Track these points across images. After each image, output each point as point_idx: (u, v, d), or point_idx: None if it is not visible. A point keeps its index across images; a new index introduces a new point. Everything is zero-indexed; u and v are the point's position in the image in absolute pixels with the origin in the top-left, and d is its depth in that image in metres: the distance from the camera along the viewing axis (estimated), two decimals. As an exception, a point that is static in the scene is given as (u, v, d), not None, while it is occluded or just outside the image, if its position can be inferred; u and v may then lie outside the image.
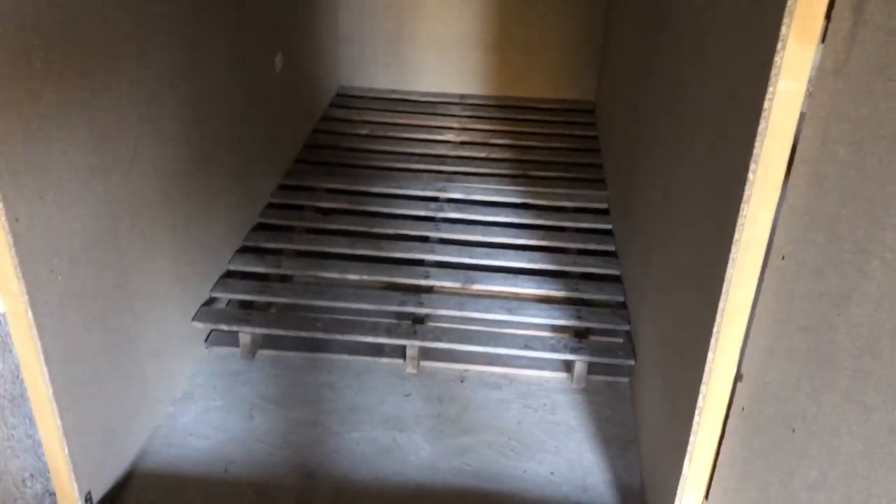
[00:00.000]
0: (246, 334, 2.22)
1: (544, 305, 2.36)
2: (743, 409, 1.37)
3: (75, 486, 1.67)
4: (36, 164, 1.41)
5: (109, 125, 1.66)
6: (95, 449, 1.73)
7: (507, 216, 2.85)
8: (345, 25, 3.89)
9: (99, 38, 1.60)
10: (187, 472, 1.89)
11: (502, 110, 3.82)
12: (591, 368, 2.21)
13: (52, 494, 1.70)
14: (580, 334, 2.27)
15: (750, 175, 1.19)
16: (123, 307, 1.80)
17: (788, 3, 1.07)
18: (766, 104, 1.14)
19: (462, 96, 3.96)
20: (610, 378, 2.22)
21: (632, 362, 2.14)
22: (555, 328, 2.32)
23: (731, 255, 1.26)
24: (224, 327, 2.23)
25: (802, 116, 1.16)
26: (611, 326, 2.28)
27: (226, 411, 2.08)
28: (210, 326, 2.25)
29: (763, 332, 1.30)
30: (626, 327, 2.26)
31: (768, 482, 1.30)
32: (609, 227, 2.79)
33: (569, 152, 3.40)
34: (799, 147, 1.17)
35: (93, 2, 1.56)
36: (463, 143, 3.46)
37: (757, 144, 1.17)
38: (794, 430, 1.23)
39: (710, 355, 1.35)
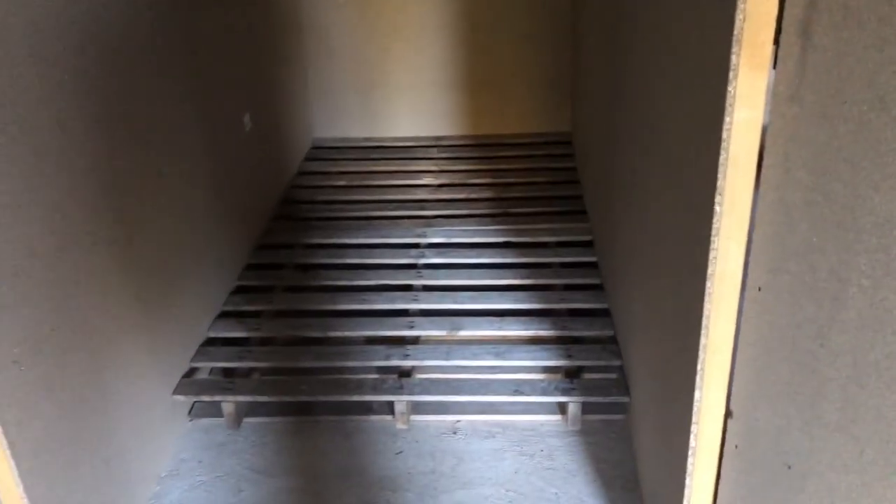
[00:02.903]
0: (229, 404, 2.17)
1: (533, 347, 2.31)
2: (736, 446, 1.32)
3: (57, 582, 1.60)
4: (-12, 255, 1.38)
5: (66, 203, 1.63)
6: (76, 541, 1.66)
7: (490, 257, 2.81)
8: (315, 78, 3.90)
9: (54, 125, 1.57)
10: (175, 555, 1.83)
11: (479, 149, 3.81)
12: (586, 408, 2.15)
13: None
14: (571, 374, 2.22)
15: (716, 207, 1.15)
16: (97, 389, 1.74)
17: (735, 32, 1.05)
18: (724, 134, 1.11)
19: (438, 139, 3.95)
20: (606, 417, 2.17)
21: (626, 399, 2.08)
22: (546, 369, 2.27)
23: (707, 290, 1.22)
24: (206, 398, 2.18)
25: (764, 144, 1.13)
26: (602, 363, 2.23)
27: (213, 486, 2.02)
28: (192, 398, 2.19)
29: (748, 366, 1.25)
30: (618, 363, 2.21)
31: (770, 523, 1.25)
32: (594, 259, 2.76)
33: (548, 186, 3.37)
34: (763, 175, 1.13)
35: (43, 79, 1.54)
36: (441, 185, 3.44)
37: (720, 176, 1.14)
38: (789, 467, 1.18)
39: (696, 394, 1.30)
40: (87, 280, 1.71)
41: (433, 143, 3.92)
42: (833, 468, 1.08)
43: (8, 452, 1.43)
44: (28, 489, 1.49)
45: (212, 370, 2.33)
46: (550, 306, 2.50)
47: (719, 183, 1.14)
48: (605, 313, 2.46)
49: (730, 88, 1.08)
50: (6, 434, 1.42)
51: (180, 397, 2.15)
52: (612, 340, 2.32)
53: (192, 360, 2.28)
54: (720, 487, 1.38)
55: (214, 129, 2.54)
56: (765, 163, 1.12)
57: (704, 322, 1.24)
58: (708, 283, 1.22)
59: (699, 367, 1.28)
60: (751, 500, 1.30)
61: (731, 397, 1.31)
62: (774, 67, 1.07)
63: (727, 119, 1.10)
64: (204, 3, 2.47)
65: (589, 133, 3.10)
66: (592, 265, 2.73)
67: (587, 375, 2.24)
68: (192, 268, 2.31)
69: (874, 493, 1.01)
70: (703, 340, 1.26)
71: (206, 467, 2.08)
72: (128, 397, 1.89)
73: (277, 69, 3.35)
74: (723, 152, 1.12)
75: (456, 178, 3.50)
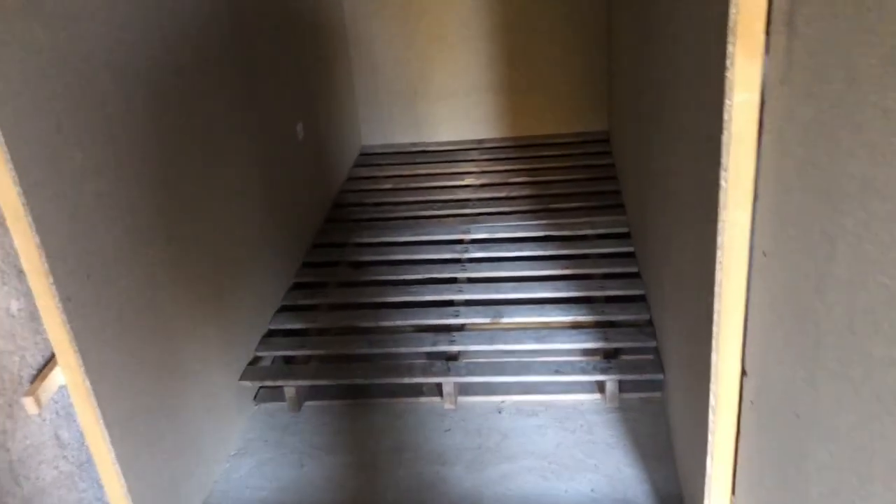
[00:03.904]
0: (291, 388, 2.35)
1: (573, 331, 2.44)
2: (752, 402, 1.44)
3: (144, 543, 1.79)
4: (82, 247, 1.57)
5: (144, 208, 1.83)
6: (159, 506, 1.86)
7: (531, 250, 2.95)
8: (361, 87, 4.10)
9: (133, 135, 1.77)
10: (246, 521, 2.01)
11: (520, 150, 3.96)
12: (624, 387, 2.28)
13: (124, 552, 1.82)
14: (609, 355, 2.35)
15: (722, 182, 1.28)
16: (173, 372, 1.94)
17: (730, 24, 1.18)
18: (726, 115, 1.24)
19: (479, 141, 4.11)
20: (643, 394, 2.28)
21: (661, 376, 2.20)
22: (585, 352, 2.40)
23: (717, 258, 1.34)
24: (270, 383, 2.36)
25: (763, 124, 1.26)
26: (638, 345, 2.35)
27: (278, 462, 2.20)
28: (257, 384, 2.39)
29: (759, 327, 1.37)
30: (654, 344, 2.33)
31: (784, 470, 1.36)
32: (631, 249, 2.87)
33: (587, 182, 3.50)
34: (762, 151, 1.26)
35: (122, 94, 1.74)
36: (483, 185, 3.60)
37: (724, 153, 1.27)
38: (798, 416, 1.30)
39: (713, 355, 1.43)
40: (161, 274, 1.91)
41: (475, 145, 4.08)
42: (834, 412, 1.19)
43: (101, 421, 1.63)
44: (119, 457, 1.68)
45: (274, 359, 2.52)
46: (589, 293, 2.62)
47: (723, 160, 1.27)
48: (641, 299, 2.58)
49: (728, 75, 1.21)
50: (99, 405, 1.61)
51: (246, 383, 2.34)
52: (648, 324, 2.44)
53: (256, 349, 2.47)
54: (740, 442, 1.50)
55: (270, 138, 2.74)
56: (763, 139, 1.24)
57: (717, 288, 1.37)
58: (718, 252, 1.34)
59: (714, 329, 1.40)
60: (767, 452, 1.42)
61: (746, 357, 1.43)
62: (767, 54, 1.20)
63: (727, 102, 1.23)
64: (259, 24, 2.67)
65: (624, 130, 3.23)
66: (630, 255, 2.85)
67: (624, 357, 2.36)
68: (253, 266, 2.50)
69: (871, 430, 1.12)
70: (716, 305, 1.38)
71: (272, 446, 2.26)
72: (200, 382, 2.08)
73: (326, 82, 3.56)
74: (725, 132, 1.25)
75: (497, 178, 3.65)
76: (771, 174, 1.25)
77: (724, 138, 1.26)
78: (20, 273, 1.54)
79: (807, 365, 1.24)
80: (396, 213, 3.39)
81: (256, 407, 2.42)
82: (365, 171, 3.90)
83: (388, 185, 3.71)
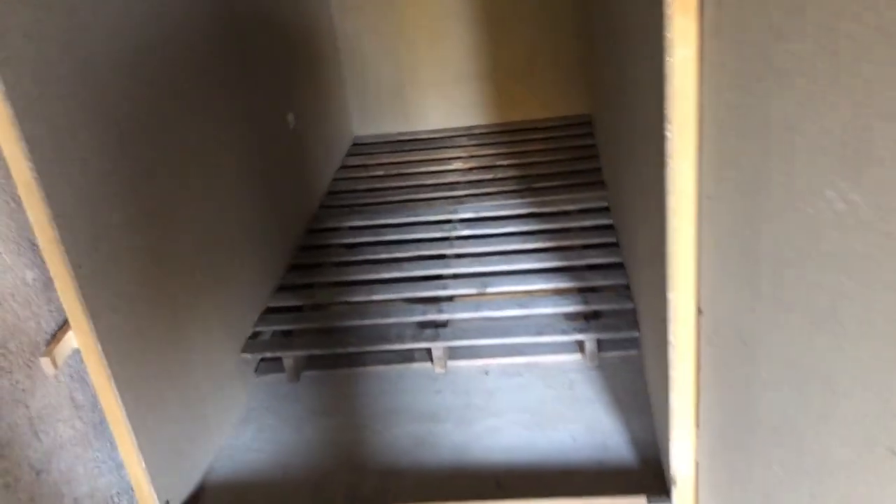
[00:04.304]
0: (289, 359, 2.48)
1: (555, 297, 2.57)
2: (707, 339, 1.57)
3: (156, 499, 1.92)
4: (90, 221, 1.71)
5: (145, 188, 1.96)
6: (169, 466, 1.98)
7: (515, 226, 3.08)
8: (351, 80, 4.23)
9: (132, 119, 1.91)
10: (251, 479, 2.14)
11: (506, 135, 4.09)
12: (603, 346, 2.41)
13: (137, 508, 1.95)
14: (588, 317, 2.48)
15: (667, 133, 1.41)
16: (177, 345, 2.07)
17: (667, -14, 1.31)
18: (667, 71, 1.37)
19: (467, 128, 4.24)
20: (622, 353, 2.41)
21: (636, 333, 2.33)
22: (566, 316, 2.53)
23: (668, 205, 1.48)
24: (269, 354, 2.50)
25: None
26: (616, 307, 2.48)
27: (279, 428, 2.33)
28: (257, 356, 2.52)
29: (710, 267, 1.50)
30: (631, 306, 2.46)
31: (735, 396, 1.49)
32: (610, 222, 3.00)
33: (570, 162, 3.63)
34: (703, 102, 1.39)
35: (121, 82, 1.87)
36: (471, 168, 3.73)
37: (667, 106, 1.40)
38: (745, 344, 1.43)
39: (669, 295, 1.56)
40: (164, 252, 2.04)
41: (463, 132, 4.21)
42: (771, 334, 1.33)
43: (113, 383, 1.76)
44: (130, 416, 1.81)
45: (273, 333, 2.65)
46: (570, 263, 2.76)
47: (667, 112, 1.40)
48: (619, 266, 2.71)
49: (667, 33, 1.34)
50: (111, 367, 1.75)
51: (247, 355, 2.48)
52: (626, 288, 2.57)
53: (255, 325, 2.61)
54: (700, 377, 1.63)
55: (263, 127, 2.87)
56: (702, 90, 1.38)
57: (670, 233, 1.50)
58: (669, 198, 1.47)
59: (669, 272, 1.53)
60: (722, 382, 1.55)
61: (701, 297, 1.56)
62: (703, 12, 1.33)
63: (668, 59, 1.36)
64: (250, 18, 2.81)
65: (604, 111, 3.36)
66: (609, 227, 2.98)
67: (603, 319, 2.49)
68: (251, 248, 2.64)
69: (804, 347, 1.26)
70: (669, 248, 1.51)
71: (273, 413, 2.39)
72: (203, 355, 2.21)
73: (315, 75, 3.69)
74: (668, 86, 1.38)
75: (484, 162, 3.78)
76: (711, 123, 1.38)
77: (667, 92, 1.39)
78: (34, 246, 1.68)
79: (750, 295, 1.37)
80: (387, 198, 3.53)
81: (258, 379, 2.55)
82: (357, 160, 4.03)
83: (380, 172, 3.84)
